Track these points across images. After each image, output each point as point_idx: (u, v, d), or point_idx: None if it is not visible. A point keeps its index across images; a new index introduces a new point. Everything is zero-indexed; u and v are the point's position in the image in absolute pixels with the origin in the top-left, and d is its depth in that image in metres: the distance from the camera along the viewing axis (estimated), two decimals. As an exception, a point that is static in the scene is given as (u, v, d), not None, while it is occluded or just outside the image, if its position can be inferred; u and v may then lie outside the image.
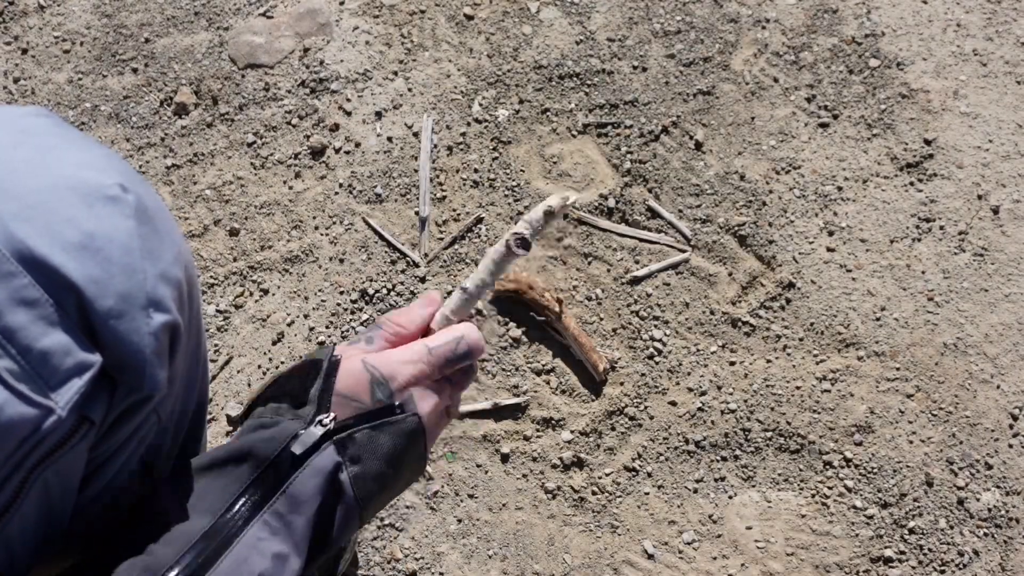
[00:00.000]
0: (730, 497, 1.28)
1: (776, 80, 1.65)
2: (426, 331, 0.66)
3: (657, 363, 1.37)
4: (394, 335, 0.63)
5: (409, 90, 1.61)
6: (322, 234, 1.46)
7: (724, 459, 1.30)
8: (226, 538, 0.51)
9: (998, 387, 1.36)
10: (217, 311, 1.39)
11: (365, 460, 0.57)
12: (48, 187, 0.47)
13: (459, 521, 1.24)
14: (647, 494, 1.27)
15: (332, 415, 0.57)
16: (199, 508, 0.52)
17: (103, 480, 0.54)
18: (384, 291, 1.41)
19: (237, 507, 0.52)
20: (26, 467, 0.45)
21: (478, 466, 1.28)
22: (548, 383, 1.35)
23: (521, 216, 0.66)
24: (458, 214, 1.48)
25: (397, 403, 0.59)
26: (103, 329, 0.47)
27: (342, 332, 1.37)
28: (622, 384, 1.35)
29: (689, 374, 1.36)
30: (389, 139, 1.55)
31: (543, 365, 1.36)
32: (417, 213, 1.48)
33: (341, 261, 1.44)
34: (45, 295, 0.45)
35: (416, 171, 1.52)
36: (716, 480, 1.29)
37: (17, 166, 0.47)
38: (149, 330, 0.49)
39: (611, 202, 1.50)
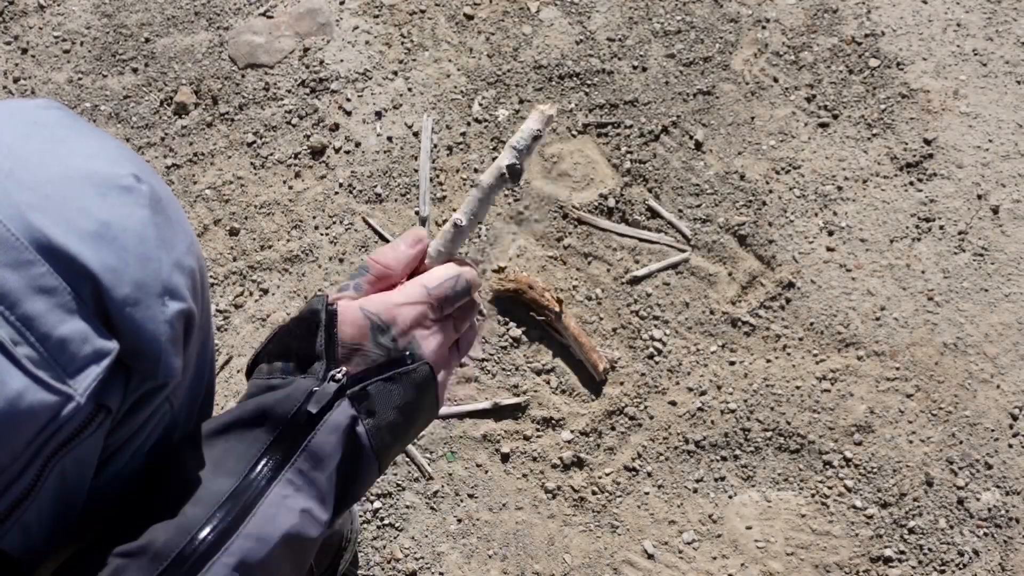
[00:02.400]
0: (730, 497, 1.28)
1: (776, 80, 1.65)
2: (415, 270, 0.64)
3: (657, 363, 1.37)
4: (381, 277, 0.63)
5: (409, 90, 1.61)
6: (322, 234, 1.46)
7: (724, 459, 1.30)
8: (252, 497, 0.52)
9: (998, 387, 1.36)
10: (217, 311, 1.39)
11: (380, 412, 0.57)
12: (62, 177, 0.48)
13: (459, 521, 1.24)
14: (647, 494, 1.27)
15: (343, 369, 0.56)
16: (222, 470, 0.53)
17: (115, 468, 0.54)
18: (384, 291, 1.41)
19: (259, 467, 0.53)
20: (44, 454, 0.46)
21: (478, 466, 1.28)
22: (548, 383, 1.35)
23: (506, 143, 0.65)
24: (458, 214, 1.48)
25: (403, 347, 0.59)
26: (119, 317, 0.48)
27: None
28: (622, 384, 1.35)
29: (689, 374, 1.36)
30: (389, 139, 1.55)
31: (543, 365, 1.36)
32: (417, 213, 1.48)
33: (341, 261, 1.44)
34: (63, 283, 0.45)
35: (416, 171, 1.52)
36: (716, 480, 1.29)
37: (31, 157, 0.48)
38: (164, 318, 0.50)
39: (611, 202, 1.50)
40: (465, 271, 0.64)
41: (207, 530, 0.50)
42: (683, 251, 1.47)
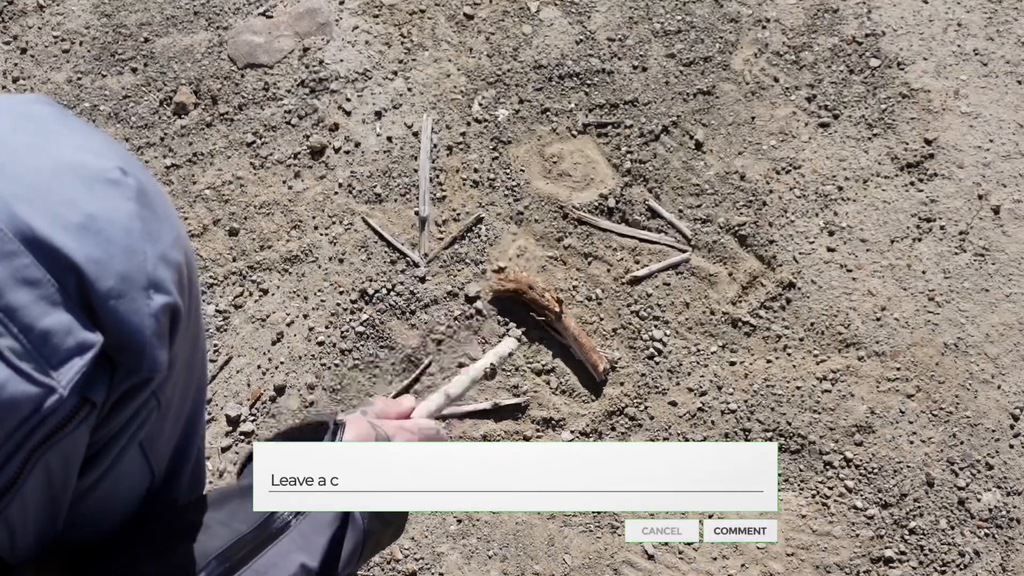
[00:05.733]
0: (730, 497, 1.27)
1: (776, 80, 1.64)
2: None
3: (657, 363, 1.37)
4: (382, 412, 0.77)
5: (409, 90, 1.61)
6: (322, 234, 1.46)
7: (724, 459, 1.30)
8: (261, 543, 0.60)
9: (999, 387, 1.36)
10: (217, 311, 1.39)
11: None
12: (49, 169, 0.48)
13: (459, 521, 1.24)
14: (647, 494, 1.27)
15: None
16: (238, 519, 0.61)
17: (103, 465, 0.54)
18: (384, 291, 1.40)
19: (272, 522, 0.62)
20: (27, 448, 0.45)
21: (478, 466, 1.28)
22: (548, 383, 1.34)
23: (490, 350, 0.93)
24: (458, 214, 1.48)
25: None
26: (104, 309, 0.47)
27: (341, 332, 1.37)
28: (622, 384, 1.35)
29: (689, 374, 1.36)
30: (389, 139, 1.55)
31: (543, 365, 1.36)
32: (417, 213, 1.48)
33: (341, 261, 1.44)
34: (47, 275, 0.45)
35: (416, 171, 1.52)
36: (716, 480, 1.28)
37: (18, 149, 0.48)
38: (149, 311, 0.49)
39: (611, 202, 1.50)
40: (443, 432, 0.81)
41: (220, 559, 0.58)
42: (683, 251, 1.46)
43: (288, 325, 1.38)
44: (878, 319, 1.41)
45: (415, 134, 1.56)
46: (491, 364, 0.90)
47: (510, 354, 0.94)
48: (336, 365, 1.35)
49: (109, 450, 0.54)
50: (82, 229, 0.47)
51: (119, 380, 0.50)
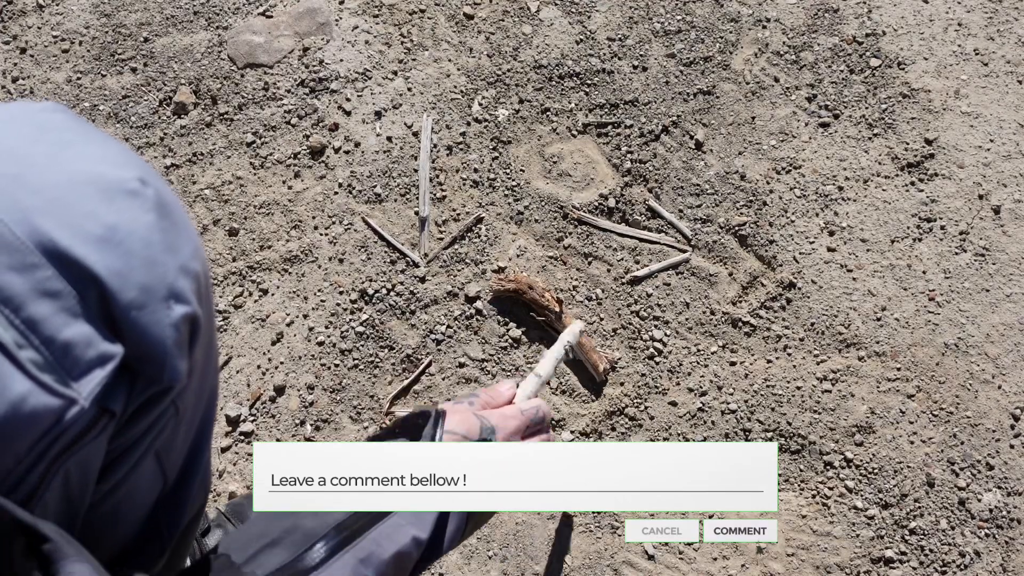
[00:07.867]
0: (730, 498, 1.27)
1: (777, 80, 1.64)
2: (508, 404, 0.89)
3: (657, 363, 1.36)
4: (487, 403, 0.84)
5: (409, 90, 1.61)
6: (321, 234, 1.46)
7: (724, 459, 1.30)
8: (375, 517, 0.67)
9: (999, 387, 1.36)
10: (216, 311, 1.39)
11: None
12: (68, 181, 0.48)
13: (459, 522, 1.24)
14: (647, 495, 1.27)
15: None
16: None
17: (120, 472, 0.54)
18: (384, 291, 1.40)
19: None
20: (48, 458, 0.46)
21: (478, 466, 1.28)
22: (548, 383, 1.34)
23: (568, 328, 1.05)
24: (458, 214, 1.48)
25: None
26: (124, 320, 0.48)
27: (341, 332, 1.37)
28: (622, 384, 1.35)
29: (689, 374, 1.36)
30: (389, 139, 1.55)
31: (543, 365, 1.35)
32: (417, 213, 1.48)
33: (341, 261, 1.44)
34: (68, 287, 0.45)
35: (416, 171, 1.52)
36: (716, 481, 1.28)
37: (36, 160, 0.48)
38: (170, 321, 0.50)
39: (611, 202, 1.49)
40: (542, 406, 0.85)
41: (338, 528, 0.65)
42: (683, 251, 1.46)
43: (288, 325, 1.38)
44: (878, 319, 1.41)
45: (415, 134, 1.56)
46: (567, 343, 1.00)
47: (582, 331, 1.08)
48: (336, 365, 1.35)
49: (127, 458, 0.54)
50: (103, 241, 0.47)
51: (139, 390, 0.50)
